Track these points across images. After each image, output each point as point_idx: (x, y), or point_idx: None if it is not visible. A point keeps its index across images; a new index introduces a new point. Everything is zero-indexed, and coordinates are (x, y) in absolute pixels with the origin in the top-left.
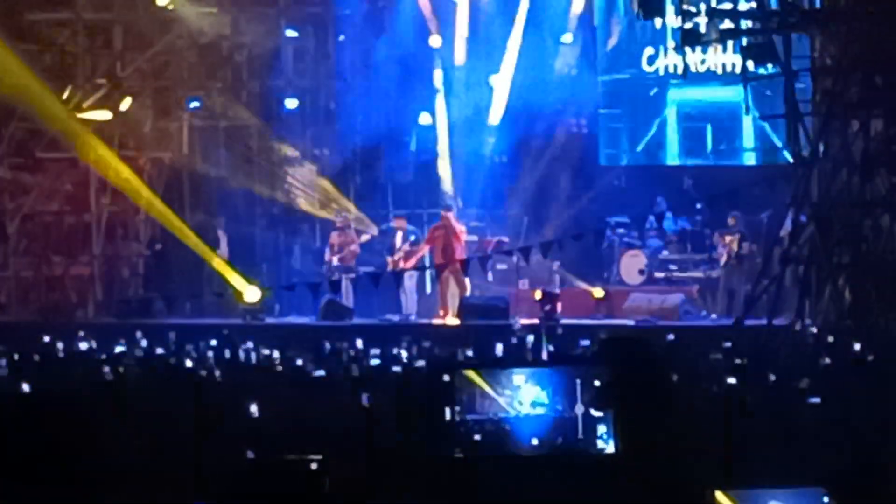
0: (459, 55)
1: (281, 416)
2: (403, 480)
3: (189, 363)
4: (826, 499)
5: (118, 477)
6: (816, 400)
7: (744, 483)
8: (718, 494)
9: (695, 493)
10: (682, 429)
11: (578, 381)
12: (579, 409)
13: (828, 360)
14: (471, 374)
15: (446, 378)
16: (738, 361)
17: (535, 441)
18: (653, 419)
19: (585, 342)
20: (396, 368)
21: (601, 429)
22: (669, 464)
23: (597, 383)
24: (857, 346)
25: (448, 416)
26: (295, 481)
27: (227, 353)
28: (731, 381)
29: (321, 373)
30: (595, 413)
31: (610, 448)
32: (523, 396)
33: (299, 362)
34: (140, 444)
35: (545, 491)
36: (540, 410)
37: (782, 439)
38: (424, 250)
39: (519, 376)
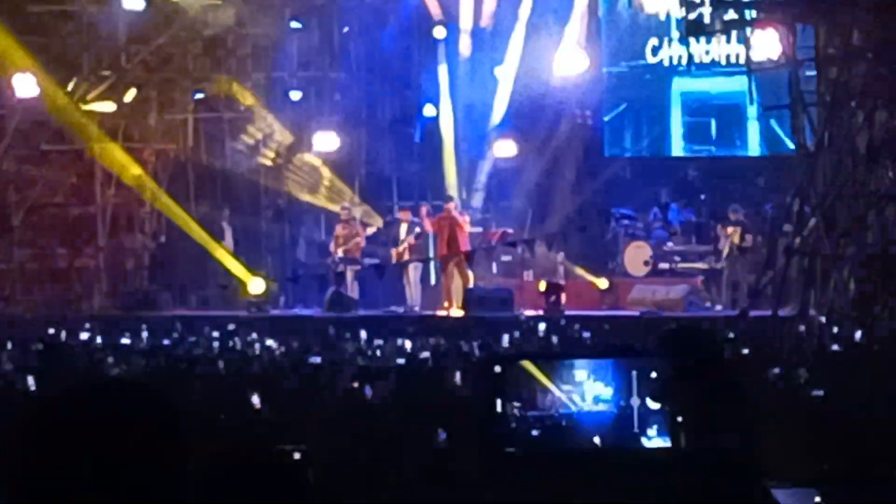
0: (464, 47)
1: (283, 408)
2: (441, 476)
3: (193, 355)
4: (818, 499)
5: (115, 472)
6: (819, 392)
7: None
8: None
9: (753, 492)
10: (745, 424)
11: (635, 373)
12: (635, 401)
13: (833, 351)
14: (529, 367)
15: (497, 369)
16: (745, 352)
17: (597, 438)
18: (713, 414)
19: (586, 333)
20: (400, 360)
21: (656, 423)
22: (727, 460)
23: (654, 375)
24: (862, 337)
25: (499, 408)
26: (278, 473)
27: (231, 345)
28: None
29: (322, 363)
30: (652, 406)
31: (665, 443)
32: (585, 392)
33: (303, 354)
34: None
35: (597, 487)
36: (602, 406)
37: (786, 434)
38: (428, 228)
39: (581, 371)
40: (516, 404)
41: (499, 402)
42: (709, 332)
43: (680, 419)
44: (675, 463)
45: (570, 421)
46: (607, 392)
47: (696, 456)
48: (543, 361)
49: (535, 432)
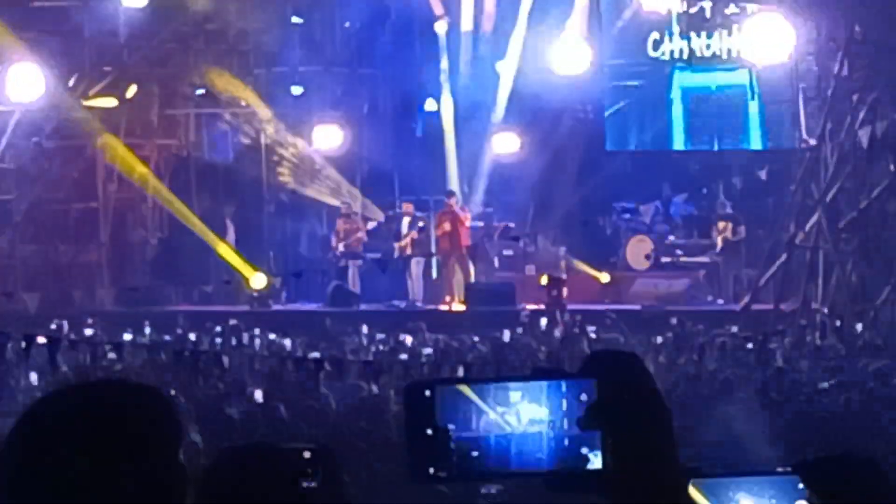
0: (465, 41)
1: (285, 403)
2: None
3: (196, 351)
4: (801, 485)
5: (114, 470)
6: (823, 385)
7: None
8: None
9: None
10: (672, 442)
11: (565, 396)
12: (566, 424)
13: (835, 345)
14: (463, 389)
15: (427, 394)
16: (749, 346)
17: (538, 457)
18: (642, 435)
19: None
20: (403, 356)
21: (588, 445)
22: (659, 481)
23: (584, 398)
24: (865, 331)
25: (430, 432)
26: (285, 470)
27: (234, 340)
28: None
29: (326, 359)
30: (582, 429)
31: (598, 464)
32: (520, 413)
33: (305, 349)
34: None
35: None
36: (537, 428)
37: (787, 426)
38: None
39: (515, 393)
40: (451, 426)
41: (429, 428)
42: (631, 354)
43: (609, 440)
44: (603, 484)
45: (506, 442)
46: (542, 414)
47: (622, 475)
48: (475, 383)
49: (474, 453)
